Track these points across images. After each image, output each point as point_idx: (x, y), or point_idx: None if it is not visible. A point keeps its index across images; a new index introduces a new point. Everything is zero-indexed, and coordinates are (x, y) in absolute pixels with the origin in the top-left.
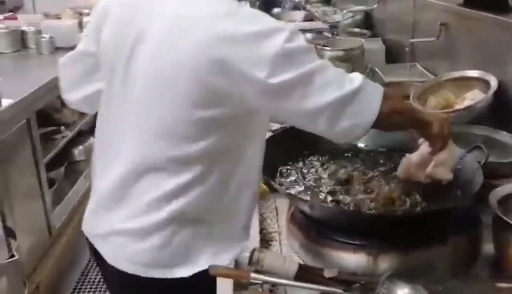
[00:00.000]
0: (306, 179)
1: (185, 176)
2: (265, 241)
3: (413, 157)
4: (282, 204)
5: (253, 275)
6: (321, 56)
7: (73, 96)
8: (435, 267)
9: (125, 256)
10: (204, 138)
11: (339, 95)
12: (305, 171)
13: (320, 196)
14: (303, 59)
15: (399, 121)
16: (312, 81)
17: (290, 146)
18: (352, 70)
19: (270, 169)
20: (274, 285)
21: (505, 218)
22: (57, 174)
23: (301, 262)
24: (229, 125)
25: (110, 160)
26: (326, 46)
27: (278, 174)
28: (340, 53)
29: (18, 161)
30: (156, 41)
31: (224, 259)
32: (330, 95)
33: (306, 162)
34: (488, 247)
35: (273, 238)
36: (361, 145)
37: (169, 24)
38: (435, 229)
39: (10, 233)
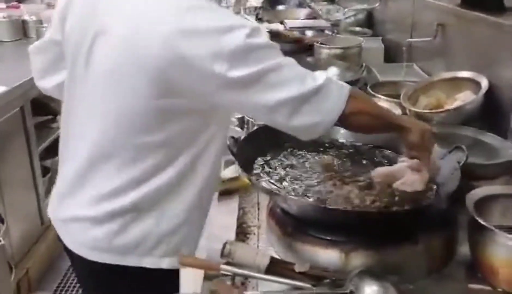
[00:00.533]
0: (285, 174)
1: (145, 165)
2: (243, 234)
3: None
4: (264, 199)
5: (223, 266)
6: (319, 54)
7: (45, 83)
8: (407, 266)
9: (83, 241)
10: (162, 128)
11: (299, 92)
12: (285, 165)
13: (298, 191)
14: (264, 55)
15: (368, 122)
16: (271, 77)
17: (270, 140)
18: (347, 68)
19: (249, 163)
20: (246, 278)
21: (480, 220)
22: (52, 163)
23: (274, 256)
24: (188, 116)
25: (73, 147)
26: (324, 44)
27: (258, 168)
28: (337, 51)
29: (11, 149)
30: (117, 34)
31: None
32: (289, 91)
33: (288, 156)
34: (465, 248)
35: (251, 231)
36: (346, 140)
37: (130, 17)
38: (408, 228)
39: None
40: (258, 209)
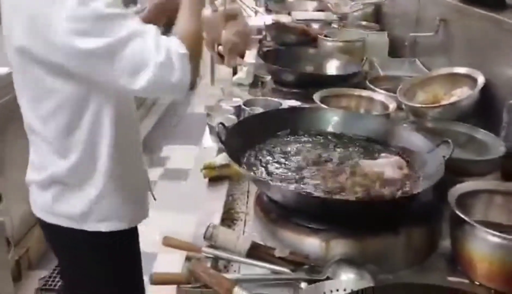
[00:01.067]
0: (274, 162)
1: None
2: (230, 220)
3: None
4: (255, 187)
5: (205, 249)
6: (323, 46)
7: None
8: (387, 257)
9: (38, 204)
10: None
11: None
12: (274, 153)
13: (284, 179)
14: (113, 25)
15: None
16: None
17: (261, 129)
18: (348, 61)
19: (238, 151)
20: (229, 261)
21: (460, 214)
22: None
23: (255, 241)
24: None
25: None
26: (328, 37)
27: (247, 155)
28: (341, 44)
29: (12, 129)
30: None
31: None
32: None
33: (278, 144)
34: (448, 242)
35: (239, 218)
36: (336, 131)
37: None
38: (390, 219)
39: None
40: (248, 196)
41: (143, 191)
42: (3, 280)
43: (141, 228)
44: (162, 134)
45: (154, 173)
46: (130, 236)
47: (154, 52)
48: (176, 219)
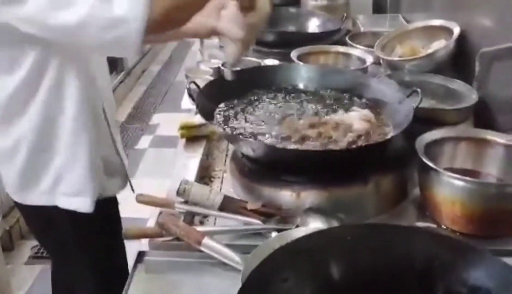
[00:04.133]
0: (247, 119)
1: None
2: (208, 177)
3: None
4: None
5: (177, 204)
6: (305, 5)
7: None
8: (357, 205)
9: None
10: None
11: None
12: (247, 111)
13: (256, 134)
14: None
15: (182, 15)
16: None
17: (233, 88)
18: (328, 19)
19: (211, 109)
20: (204, 216)
21: (425, 160)
22: None
23: (228, 195)
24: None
25: None
26: None
27: (220, 113)
28: (324, 3)
29: None
30: None
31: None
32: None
33: (251, 102)
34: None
35: (216, 175)
36: (311, 86)
37: None
38: (358, 168)
39: None
40: (227, 155)
41: (115, 165)
42: None
43: (131, 193)
44: (152, 102)
45: (144, 141)
46: (109, 206)
47: None
48: (166, 185)
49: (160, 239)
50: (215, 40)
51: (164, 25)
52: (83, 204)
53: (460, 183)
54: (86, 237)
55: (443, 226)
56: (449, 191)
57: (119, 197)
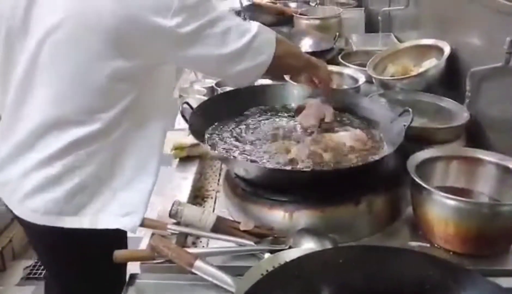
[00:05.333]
0: (239, 138)
1: (92, 127)
2: (201, 198)
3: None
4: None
5: (170, 226)
6: (298, 25)
7: None
8: (350, 225)
9: (18, 199)
10: (115, 89)
11: (242, 43)
12: (239, 131)
13: (248, 155)
14: (206, 8)
15: (293, 64)
16: (216, 29)
17: (226, 108)
18: (321, 38)
19: (203, 129)
20: (197, 237)
21: (417, 179)
22: None
23: (220, 216)
24: (139, 78)
25: (15, 120)
26: (303, 15)
27: (212, 134)
28: (316, 22)
29: None
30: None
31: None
32: (235, 41)
33: (243, 122)
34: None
35: (209, 195)
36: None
37: None
38: (351, 188)
39: None
40: (220, 175)
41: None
42: None
43: None
44: None
45: None
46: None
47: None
48: (159, 203)
49: (152, 262)
50: None
51: (280, 65)
52: (132, 223)
53: (453, 202)
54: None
55: (436, 245)
56: (442, 211)
57: None
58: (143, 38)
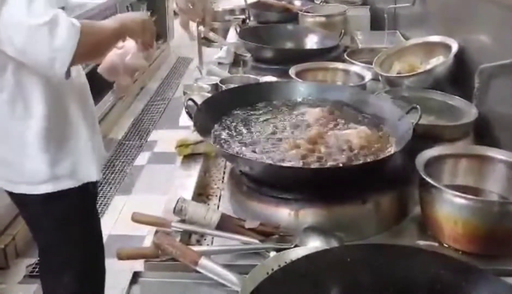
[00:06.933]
0: (244, 135)
1: None
2: (205, 195)
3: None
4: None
5: (174, 223)
6: (303, 22)
7: None
8: (357, 223)
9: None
10: None
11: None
12: (244, 127)
13: (254, 152)
14: None
15: (102, 50)
16: None
17: (231, 104)
18: (326, 36)
19: (208, 126)
20: (202, 235)
21: (426, 177)
22: None
23: (225, 213)
24: None
25: None
26: (308, 12)
27: (217, 131)
28: (321, 19)
29: None
30: None
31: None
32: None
33: (249, 118)
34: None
35: (214, 193)
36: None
37: None
38: (358, 186)
39: None
40: (224, 172)
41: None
42: None
43: (128, 210)
44: (150, 119)
45: (142, 158)
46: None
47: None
48: (163, 201)
49: (156, 260)
50: (213, 57)
51: (87, 59)
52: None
53: (462, 201)
54: (76, 215)
55: (445, 245)
56: (451, 209)
57: (115, 214)
58: None
